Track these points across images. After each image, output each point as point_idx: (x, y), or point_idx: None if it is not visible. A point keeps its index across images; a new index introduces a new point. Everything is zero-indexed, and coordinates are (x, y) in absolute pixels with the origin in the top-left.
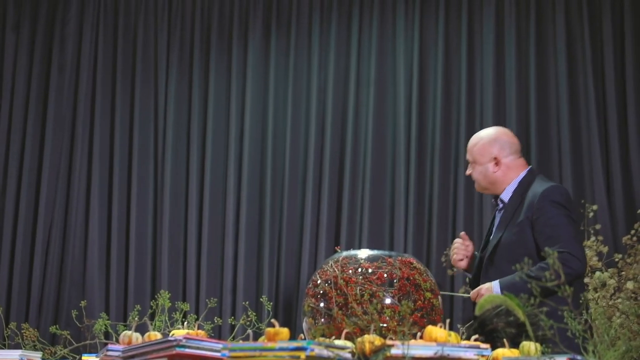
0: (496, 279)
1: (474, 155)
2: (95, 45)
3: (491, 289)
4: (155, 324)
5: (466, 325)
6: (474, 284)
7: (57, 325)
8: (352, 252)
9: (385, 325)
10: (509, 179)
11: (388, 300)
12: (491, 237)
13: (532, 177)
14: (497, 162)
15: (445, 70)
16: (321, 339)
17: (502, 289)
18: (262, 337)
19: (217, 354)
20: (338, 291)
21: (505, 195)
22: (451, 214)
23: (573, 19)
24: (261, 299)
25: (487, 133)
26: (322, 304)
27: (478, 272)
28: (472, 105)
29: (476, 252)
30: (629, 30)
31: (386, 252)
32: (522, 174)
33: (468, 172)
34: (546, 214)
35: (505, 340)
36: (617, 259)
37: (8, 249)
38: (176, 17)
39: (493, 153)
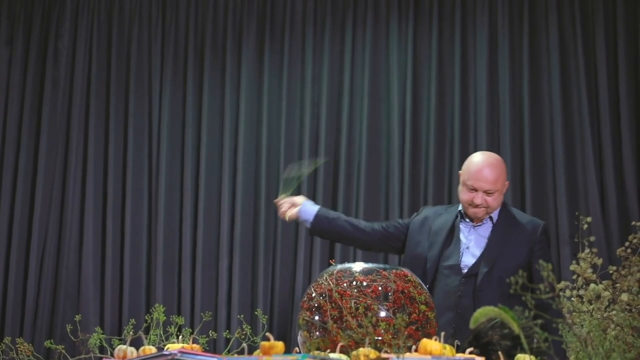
0: (496, 297)
1: (499, 186)
2: (89, 58)
3: None
4: (150, 338)
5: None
6: (441, 290)
7: (52, 340)
8: (347, 265)
9: (380, 338)
10: None
11: (383, 313)
12: (471, 249)
13: (504, 200)
14: (506, 187)
15: (439, 83)
16: (316, 352)
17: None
18: (257, 351)
19: None
20: (333, 304)
21: (495, 214)
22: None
23: (566, 32)
24: (256, 313)
25: (501, 163)
26: (317, 317)
27: (448, 281)
28: (466, 118)
29: (425, 254)
30: (622, 43)
31: (381, 265)
32: None
33: (479, 201)
34: (546, 254)
35: (500, 352)
36: (611, 271)
37: (2, 262)
38: (170, 30)
39: (506, 179)
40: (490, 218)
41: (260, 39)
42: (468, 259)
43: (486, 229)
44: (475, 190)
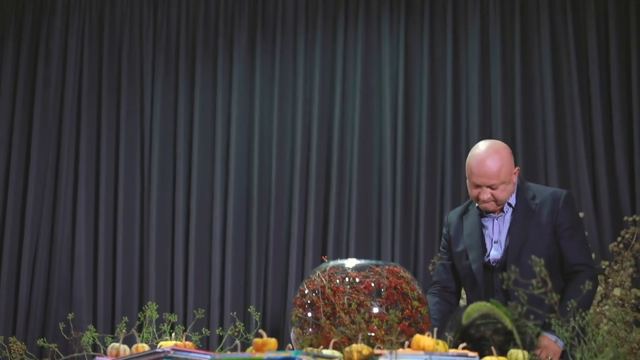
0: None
1: (503, 177)
2: (81, 58)
3: (553, 344)
4: (143, 336)
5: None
6: (482, 291)
7: (45, 338)
8: (340, 261)
9: (373, 334)
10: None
11: (376, 310)
12: (500, 241)
13: (519, 179)
14: (516, 173)
15: (431, 79)
16: (309, 348)
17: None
18: (250, 348)
19: None
20: (326, 301)
21: (512, 199)
22: (438, 222)
23: (558, 27)
24: (249, 310)
25: (503, 151)
26: (309, 314)
27: (486, 280)
28: (458, 114)
29: (469, 262)
30: (613, 38)
31: (373, 262)
32: (517, 179)
33: (485, 196)
34: (572, 227)
35: (493, 348)
36: (604, 266)
37: None
38: (161, 28)
39: (514, 167)
40: (509, 204)
41: (252, 37)
42: (496, 253)
43: (508, 216)
44: (480, 186)
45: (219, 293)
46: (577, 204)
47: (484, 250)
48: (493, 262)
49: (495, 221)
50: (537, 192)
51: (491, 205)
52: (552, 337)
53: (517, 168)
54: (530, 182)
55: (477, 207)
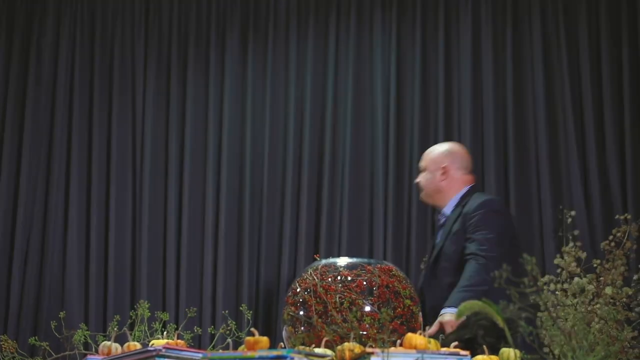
0: (438, 290)
1: (427, 162)
2: (72, 56)
3: (448, 316)
4: (134, 334)
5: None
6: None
7: (37, 337)
8: (332, 260)
9: (365, 332)
10: (453, 192)
11: (368, 308)
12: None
13: (472, 192)
14: (444, 172)
15: (422, 79)
16: (301, 347)
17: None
18: (242, 346)
19: None
20: (318, 299)
21: (448, 209)
22: (430, 221)
23: (549, 26)
24: (241, 308)
25: (443, 145)
26: (301, 312)
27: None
28: (450, 115)
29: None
30: (604, 38)
31: (365, 260)
32: (465, 189)
33: (418, 180)
34: (476, 219)
35: (484, 346)
36: (595, 265)
37: None
38: (153, 26)
39: (444, 162)
40: (444, 215)
41: (244, 36)
42: (432, 258)
43: (442, 228)
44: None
45: (210, 291)
46: (569, 202)
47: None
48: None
49: (441, 228)
50: (471, 201)
51: (420, 194)
52: (451, 310)
53: (445, 168)
54: (483, 194)
55: None
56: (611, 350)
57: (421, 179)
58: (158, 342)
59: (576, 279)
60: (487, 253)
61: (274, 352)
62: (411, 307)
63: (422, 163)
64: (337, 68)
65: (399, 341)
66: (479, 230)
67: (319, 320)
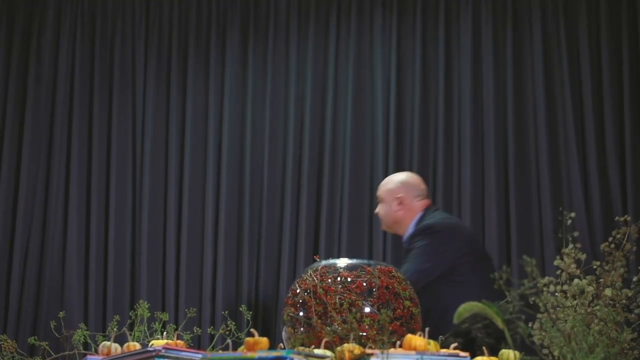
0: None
1: (382, 194)
2: (72, 55)
3: None
4: (134, 334)
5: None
6: None
7: (36, 336)
8: (331, 261)
9: (364, 334)
10: (410, 219)
11: (367, 309)
12: None
13: (427, 214)
14: (400, 202)
15: (423, 80)
16: (301, 348)
17: None
18: (242, 347)
19: None
20: (317, 300)
21: (406, 236)
22: None
23: (549, 26)
24: (240, 309)
25: (397, 176)
26: (301, 313)
27: None
28: (450, 115)
29: None
30: (604, 38)
31: (365, 261)
32: (420, 214)
33: (377, 210)
34: (417, 246)
35: (484, 348)
36: (595, 266)
37: None
38: (153, 26)
39: (399, 193)
40: (405, 242)
41: (244, 35)
42: None
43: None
44: None
45: (210, 292)
46: (569, 204)
47: None
48: None
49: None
50: (421, 225)
51: (381, 222)
52: None
53: (400, 199)
54: (437, 214)
55: None
56: (611, 352)
57: (379, 209)
58: (157, 343)
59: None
60: (407, 272)
61: (274, 353)
62: (411, 309)
63: (379, 193)
64: (337, 68)
65: (398, 342)
66: (414, 254)
67: (319, 321)
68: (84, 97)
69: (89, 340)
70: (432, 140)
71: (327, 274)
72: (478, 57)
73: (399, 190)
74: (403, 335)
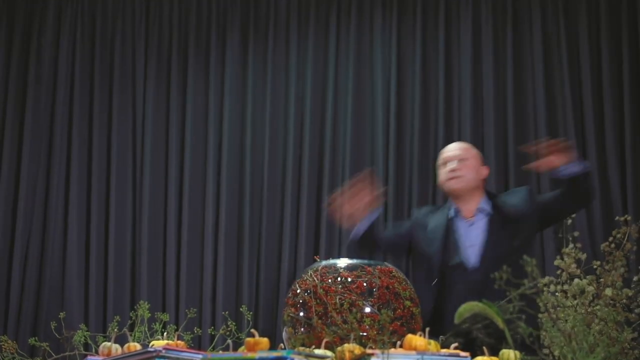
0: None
1: (469, 155)
2: (73, 55)
3: None
4: (134, 335)
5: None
6: (445, 288)
7: (36, 337)
8: (332, 261)
9: (365, 334)
10: (482, 192)
11: (367, 309)
12: (475, 246)
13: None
14: (487, 171)
15: (423, 80)
16: (301, 348)
17: None
18: (242, 347)
19: None
20: (318, 300)
21: (487, 206)
22: None
23: (549, 25)
24: (241, 309)
25: (468, 145)
26: (301, 314)
27: (452, 279)
28: (450, 114)
29: (426, 252)
30: (604, 38)
31: (365, 261)
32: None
33: (453, 165)
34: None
35: (484, 348)
36: (595, 266)
37: None
38: (153, 26)
39: (483, 162)
40: (481, 210)
41: (244, 35)
42: (472, 257)
43: (482, 224)
44: (445, 163)
45: (210, 292)
46: None
47: (443, 248)
48: (468, 265)
49: (470, 227)
50: (507, 199)
51: (456, 182)
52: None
53: (486, 168)
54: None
55: (454, 209)
56: (611, 352)
57: (462, 166)
58: (158, 343)
59: (576, 280)
60: None
61: (274, 354)
62: (411, 309)
63: (459, 152)
64: (337, 68)
65: (399, 342)
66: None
67: (319, 321)
68: (84, 97)
69: (89, 341)
70: (432, 140)
71: (327, 274)
72: (478, 57)
73: (480, 160)
74: (403, 335)
